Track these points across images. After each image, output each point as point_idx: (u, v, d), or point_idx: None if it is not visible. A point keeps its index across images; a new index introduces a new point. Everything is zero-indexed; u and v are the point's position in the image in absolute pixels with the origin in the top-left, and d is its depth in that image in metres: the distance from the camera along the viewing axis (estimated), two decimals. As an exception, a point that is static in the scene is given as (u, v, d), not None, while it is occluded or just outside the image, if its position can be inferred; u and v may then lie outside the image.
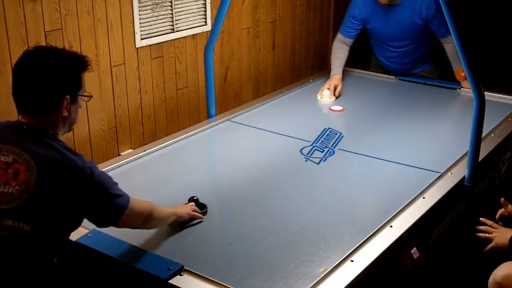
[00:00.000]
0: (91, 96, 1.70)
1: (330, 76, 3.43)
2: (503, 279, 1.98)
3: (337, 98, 3.30)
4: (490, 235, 2.13)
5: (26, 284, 1.56)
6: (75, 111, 1.68)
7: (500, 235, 2.10)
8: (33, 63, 1.60)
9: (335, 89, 3.32)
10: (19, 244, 1.53)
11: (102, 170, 1.90)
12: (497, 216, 2.21)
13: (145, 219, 1.78)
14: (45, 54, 1.63)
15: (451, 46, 3.28)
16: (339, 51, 3.54)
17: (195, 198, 2.08)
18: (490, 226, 2.16)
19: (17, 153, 1.55)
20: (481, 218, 2.19)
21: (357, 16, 3.49)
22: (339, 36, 3.58)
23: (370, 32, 3.55)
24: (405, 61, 3.52)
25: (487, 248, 2.12)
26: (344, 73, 3.71)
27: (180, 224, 2.00)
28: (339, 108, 3.13)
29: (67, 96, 1.62)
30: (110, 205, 1.65)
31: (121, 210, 1.66)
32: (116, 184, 1.69)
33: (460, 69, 3.30)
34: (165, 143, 2.65)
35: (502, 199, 2.25)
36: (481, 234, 2.15)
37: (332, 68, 3.51)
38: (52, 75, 1.59)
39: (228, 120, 2.95)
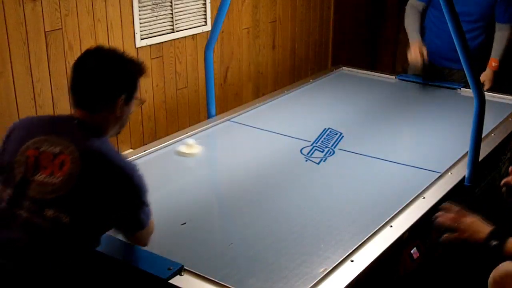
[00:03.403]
0: (144, 101, 1.73)
1: (410, 44, 3.38)
2: (503, 277, 1.98)
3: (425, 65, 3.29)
4: (458, 225, 1.86)
5: (60, 276, 1.57)
6: (127, 113, 1.73)
7: (470, 229, 1.85)
8: (95, 61, 1.66)
9: (421, 55, 3.29)
10: (57, 235, 1.55)
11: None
12: (502, 182, 2.08)
13: (147, 239, 1.79)
14: (107, 54, 1.71)
15: (503, 34, 3.33)
16: (412, 16, 3.46)
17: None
18: (457, 214, 1.89)
19: (65, 144, 1.59)
20: (443, 204, 1.93)
21: None
22: (411, 1, 3.50)
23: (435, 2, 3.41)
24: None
25: (451, 237, 1.86)
26: (344, 73, 3.71)
27: (180, 224, 2.00)
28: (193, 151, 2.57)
29: (123, 97, 1.68)
30: (144, 214, 1.68)
31: (144, 224, 1.70)
32: (147, 191, 1.70)
33: (495, 58, 3.35)
34: (165, 143, 2.65)
35: (511, 168, 2.08)
36: (448, 223, 1.87)
37: (410, 35, 3.44)
38: (113, 74, 1.66)
39: (228, 120, 2.95)
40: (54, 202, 1.55)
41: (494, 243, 1.83)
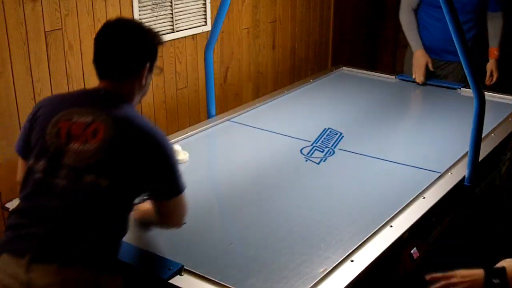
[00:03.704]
0: (162, 69, 1.77)
1: (413, 54, 3.44)
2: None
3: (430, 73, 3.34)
4: (452, 281, 1.79)
5: (98, 242, 1.60)
6: (149, 81, 1.79)
7: (467, 280, 1.79)
8: (120, 32, 1.71)
9: (427, 67, 3.35)
10: (97, 200, 1.59)
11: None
12: None
13: (184, 217, 1.80)
14: (130, 25, 1.76)
15: (497, 22, 3.38)
16: (408, 23, 3.50)
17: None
18: (443, 278, 1.81)
19: (96, 114, 1.63)
20: (428, 277, 1.82)
21: None
22: (404, 3, 3.53)
23: None
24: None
25: None
26: (344, 73, 3.71)
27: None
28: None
29: (147, 65, 1.73)
30: (178, 179, 1.70)
31: (180, 189, 1.72)
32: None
33: (496, 47, 3.41)
34: (165, 143, 2.64)
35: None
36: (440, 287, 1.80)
37: (411, 44, 3.49)
38: (139, 44, 1.71)
39: (228, 120, 2.95)
40: (92, 168, 1.59)
41: (497, 282, 1.78)
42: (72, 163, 1.59)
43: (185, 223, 2.02)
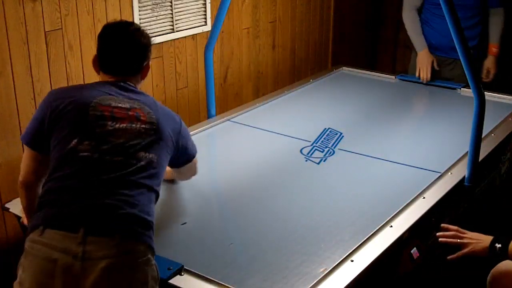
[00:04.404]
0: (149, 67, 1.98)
1: (417, 55, 3.45)
2: (502, 277, 1.99)
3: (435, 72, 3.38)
4: (461, 240, 1.98)
5: (150, 213, 1.71)
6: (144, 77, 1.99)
7: (475, 241, 1.96)
8: (129, 34, 1.90)
9: (433, 66, 3.36)
10: (149, 172, 1.74)
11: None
12: None
13: (196, 167, 2.20)
14: (134, 27, 1.94)
15: (497, 18, 3.37)
16: (412, 23, 3.50)
17: None
18: (456, 231, 2.01)
19: (130, 101, 1.82)
20: (442, 225, 2.05)
21: None
22: (407, 2, 3.53)
23: None
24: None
25: (457, 255, 1.98)
26: (344, 73, 3.71)
27: (180, 224, 2.00)
28: None
29: (148, 62, 1.95)
30: (193, 147, 2.08)
31: (195, 152, 2.11)
32: None
33: (495, 44, 3.39)
34: (165, 143, 2.64)
35: None
36: (450, 240, 2.00)
37: (414, 42, 3.49)
38: (144, 43, 1.91)
39: (228, 120, 2.95)
40: (144, 146, 1.75)
41: (499, 246, 1.89)
42: (124, 140, 1.72)
43: (185, 223, 2.03)
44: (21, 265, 1.62)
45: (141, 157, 1.73)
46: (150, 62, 1.97)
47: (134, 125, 1.76)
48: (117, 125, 1.73)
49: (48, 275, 1.55)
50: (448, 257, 1.99)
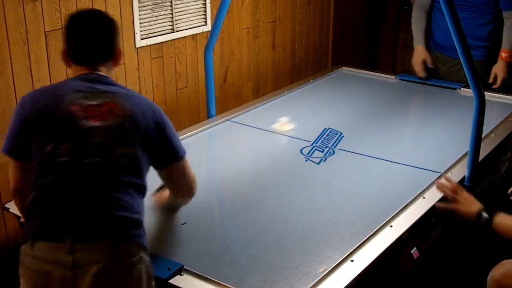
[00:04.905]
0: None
1: (414, 49, 3.46)
2: (502, 277, 1.99)
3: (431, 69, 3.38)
4: (455, 196, 2.11)
5: (136, 211, 1.67)
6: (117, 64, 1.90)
7: (466, 202, 2.09)
8: (96, 21, 1.82)
9: (424, 64, 3.34)
10: (131, 168, 1.69)
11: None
12: (510, 191, 2.16)
13: (193, 182, 1.94)
14: (98, 14, 1.87)
15: (510, 23, 3.28)
16: (417, 19, 3.50)
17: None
18: (456, 187, 2.15)
19: (101, 95, 1.72)
20: (445, 176, 2.21)
21: None
22: (416, 2, 3.53)
23: None
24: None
25: (446, 206, 2.12)
26: (344, 73, 3.71)
27: (180, 224, 2.00)
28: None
29: (119, 46, 1.86)
30: (178, 144, 1.85)
31: (184, 151, 1.87)
32: None
33: (505, 49, 3.30)
34: (165, 143, 2.64)
35: None
36: (446, 191, 2.14)
37: (414, 37, 3.49)
38: (114, 28, 1.83)
39: (228, 120, 2.95)
40: (121, 141, 1.68)
41: (485, 216, 2.02)
42: (100, 140, 1.65)
43: (185, 223, 2.03)
44: (21, 275, 1.62)
45: (119, 154, 1.67)
46: (121, 47, 1.92)
47: (107, 121, 1.68)
48: (90, 124, 1.66)
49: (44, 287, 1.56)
50: (437, 204, 2.12)
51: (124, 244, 1.60)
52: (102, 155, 1.64)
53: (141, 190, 1.72)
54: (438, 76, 3.53)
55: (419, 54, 3.46)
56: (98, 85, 1.75)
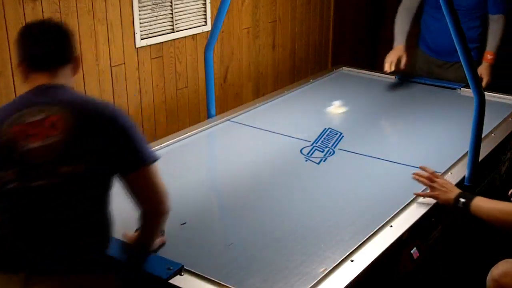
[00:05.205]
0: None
1: (393, 47, 3.47)
2: (501, 276, 1.99)
3: (402, 71, 3.40)
4: (431, 183, 2.15)
5: (82, 230, 1.59)
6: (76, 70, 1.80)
7: (443, 189, 2.12)
8: (52, 28, 1.74)
9: (399, 61, 3.34)
10: (78, 188, 1.57)
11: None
12: (510, 192, 2.14)
13: (165, 194, 1.69)
14: (51, 19, 1.87)
15: (496, 26, 3.33)
16: (401, 20, 3.51)
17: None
18: (431, 174, 2.18)
19: (47, 108, 1.61)
20: (420, 166, 2.25)
21: None
22: (401, 4, 3.55)
23: None
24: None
25: (423, 194, 2.16)
26: (344, 73, 3.71)
27: (180, 224, 2.00)
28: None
29: (76, 53, 1.77)
30: (143, 148, 1.67)
31: (153, 156, 1.68)
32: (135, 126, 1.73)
33: (490, 51, 3.35)
34: (165, 143, 2.65)
35: None
36: (422, 179, 2.17)
37: (395, 38, 3.51)
38: (69, 34, 1.74)
39: (228, 120, 2.95)
40: (63, 158, 1.57)
41: (462, 201, 2.06)
42: (42, 160, 1.56)
43: (185, 223, 2.03)
44: None
45: (64, 172, 1.55)
46: (79, 55, 1.85)
47: (50, 138, 1.57)
48: (30, 146, 1.56)
49: None
50: (415, 193, 2.17)
51: (81, 275, 1.54)
52: (46, 176, 1.56)
53: (98, 203, 1.62)
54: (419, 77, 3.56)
55: (397, 52, 3.45)
56: (46, 97, 1.65)
